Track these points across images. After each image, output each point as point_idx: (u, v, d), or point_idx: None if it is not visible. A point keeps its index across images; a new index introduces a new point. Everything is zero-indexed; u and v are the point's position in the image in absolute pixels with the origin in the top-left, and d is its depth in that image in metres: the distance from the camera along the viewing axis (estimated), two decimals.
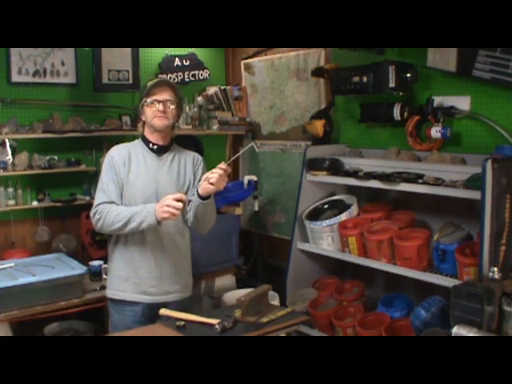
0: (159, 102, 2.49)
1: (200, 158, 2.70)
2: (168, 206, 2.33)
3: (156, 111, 2.49)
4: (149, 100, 2.49)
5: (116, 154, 2.55)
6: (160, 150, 2.58)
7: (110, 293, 2.62)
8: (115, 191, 2.50)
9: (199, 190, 2.40)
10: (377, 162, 3.12)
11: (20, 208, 3.63)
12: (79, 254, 3.73)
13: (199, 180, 2.59)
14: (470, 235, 2.70)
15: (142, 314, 2.54)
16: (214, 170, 2.32)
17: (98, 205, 2.49)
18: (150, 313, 2.53)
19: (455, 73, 2.90)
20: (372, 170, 3.07)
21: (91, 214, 2.51)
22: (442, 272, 2.68)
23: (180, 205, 2.34)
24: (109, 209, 2.45)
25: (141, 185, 2.51)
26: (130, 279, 2.55)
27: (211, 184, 2.32)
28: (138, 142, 2.62)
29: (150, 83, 2.55)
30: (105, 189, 2.50)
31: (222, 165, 2.33)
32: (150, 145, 2.57)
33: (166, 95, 2.51)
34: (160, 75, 4.14)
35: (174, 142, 2.65)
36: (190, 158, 2.65)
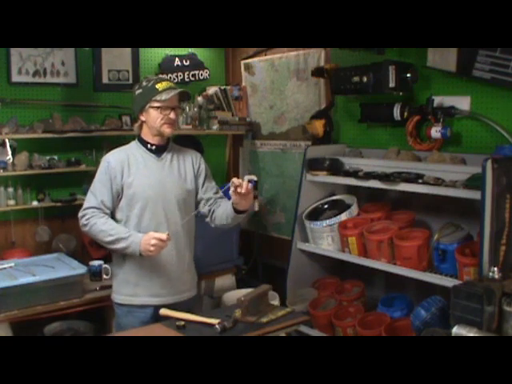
0: (171, 109, 2.45)
1: (198, 154, 2.71)
2: (154, 245, 2.33)
3: (167, 118, 2.46)
4: (158, 104, 2.43)
5: (113, 160, 2.51)
6: (159, 150, 2.56)
7: (119, 298, 2.58)
8: (107, 197, 2.48)
9: (237, 206, 2.41)
10: (377, 162, 3.12)
11: (20, 208, 3.62)
12: (79, 254, 3.73)
13: (204, 177, 2.64)
14: (470, 235, 2.70)
15: (151, 316, 2.52)
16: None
17: (86, 208, 2.49)
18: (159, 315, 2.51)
19: (455, 73, 2.90)
20: (372, 170, 3.07)
21: (79, 216, 2.51)
22: (442, 272, 2.68)
23: (167, 243, 2.35)
24: (96, 220, 2.44)
25: (145, 188, 2.49)
26: (140, 283, 2.52)
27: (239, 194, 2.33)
28: (135, 144, 2.59)
29: (161, 87, 2.45)
30: (96, 193, 2.48)
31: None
32: (149, 145, 2.55)
33: (176, 101, 2.49)
34: (160, 75, 4.12)
35: (170, 141, 2.63)
36: (189, 155, 2.66)
